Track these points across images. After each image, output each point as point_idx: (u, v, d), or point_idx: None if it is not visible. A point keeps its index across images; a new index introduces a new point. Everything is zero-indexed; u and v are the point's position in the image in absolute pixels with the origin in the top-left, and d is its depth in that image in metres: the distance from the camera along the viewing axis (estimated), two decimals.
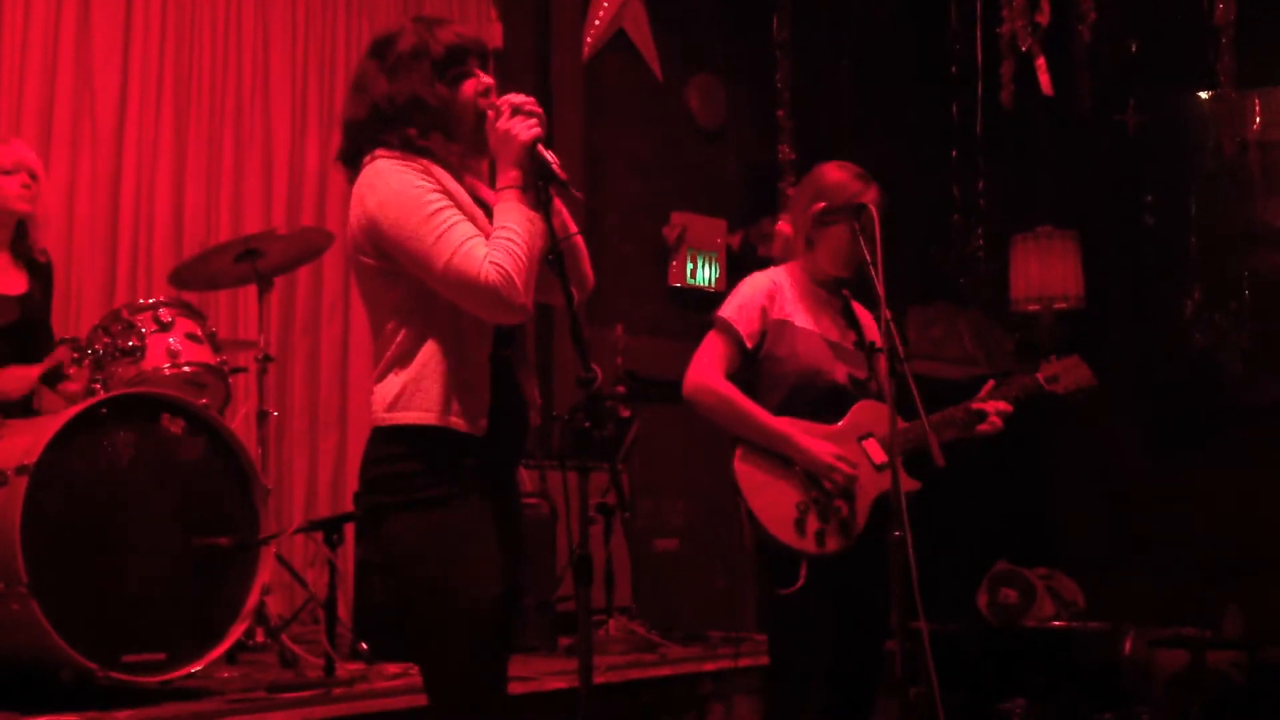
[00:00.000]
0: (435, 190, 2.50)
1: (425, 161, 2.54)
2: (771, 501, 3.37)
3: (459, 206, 2.52)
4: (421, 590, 2.52)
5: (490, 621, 2.50)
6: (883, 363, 3.35)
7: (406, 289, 2.53)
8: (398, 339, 2.55)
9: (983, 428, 3.53)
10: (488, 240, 2.48)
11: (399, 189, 2.50)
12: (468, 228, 2.48)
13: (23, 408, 4.21)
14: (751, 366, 3.47)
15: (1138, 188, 7.74)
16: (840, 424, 3.47)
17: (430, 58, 2.59)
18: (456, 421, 2.51)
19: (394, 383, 2.54)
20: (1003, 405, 3.55)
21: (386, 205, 2.49)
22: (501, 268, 2.43)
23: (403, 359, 2.54)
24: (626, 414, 5.89)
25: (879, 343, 3.50)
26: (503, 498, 2.60)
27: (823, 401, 3.46)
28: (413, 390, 2.52)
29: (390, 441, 2.54)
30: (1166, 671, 6.08)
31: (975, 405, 3.55)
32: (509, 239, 2.47)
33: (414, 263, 2.48)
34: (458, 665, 2.51)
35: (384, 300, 2.57)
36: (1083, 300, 7.42)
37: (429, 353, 2.53)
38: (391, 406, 2.53)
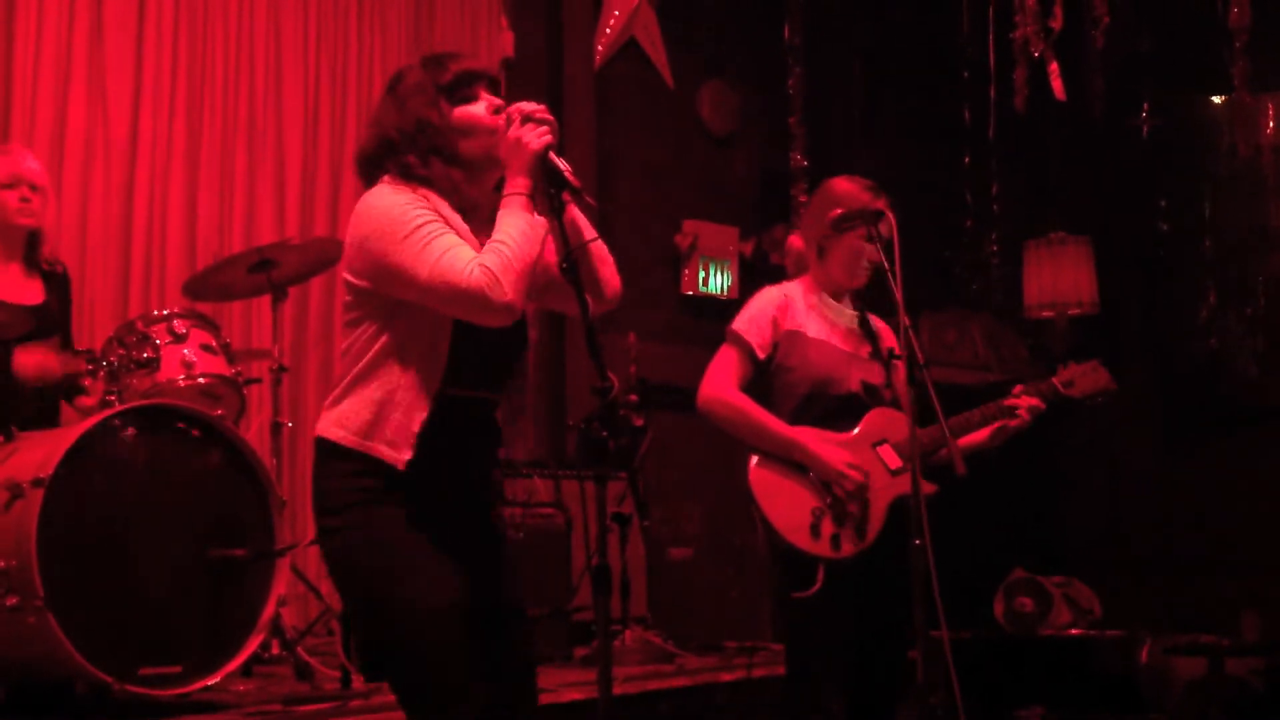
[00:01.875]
0: (423, 207, 2.53)
1: (424, 190, 2.57)
2: (786, 508, 3.41)
3: (449, 225, 2.54)
4: (371, 608, 2.56)
5: (438, 630, 2.49)
6: (902, 369, 3.37)
7: (371, 311, 2.57)
8: (350, 356, 2.60)
9: (1011, 422, 3.57)
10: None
11: (388, 207, 2.53)
12: (453, 238, 2.50)
13: (36, 417, 4.19)
14: (764, 377, 3.53)
15: (1151, 192, 7.71)
16: (855, 431, 3.52)
17: (436, 84, 2.63)
18: (380, 449, 2.53)
19: (338, 396, 2.60)
20: (1035, 401, 3.59)
21: (373, 223, 2.53)
22: (489, 270, 2.44)
23: (346, 374, 2.59)
24: (640, 422, 5.87)
25: (898, 351, 3.53)
26: (455, 521, 2.59)
27: (835, 409, 3.51)
28: (348, 410, 2.57)
29: (326, 458, 2.59)
30: (1184, 679, 6.05)
31: (1008, 402, 3.60)
32: (499, 242, 2.49)
33: (398, 277, 2.50)
34: (414, 679, 2.52)
35: (350, 317, 2.61)
36: (1096, 305, 7.39)
37: (371, 376, 2.56)
38: (328, 420, 2.59)
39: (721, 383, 3.49)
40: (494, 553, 2.68)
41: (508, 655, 2.63)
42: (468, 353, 2.57)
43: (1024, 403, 3.58)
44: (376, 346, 2.56)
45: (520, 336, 2.68)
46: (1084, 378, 3.71)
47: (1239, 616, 6.68)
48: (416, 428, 2.53)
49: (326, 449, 2.58)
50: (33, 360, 4.12)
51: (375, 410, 2.54)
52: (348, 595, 2.66)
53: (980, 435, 3.59)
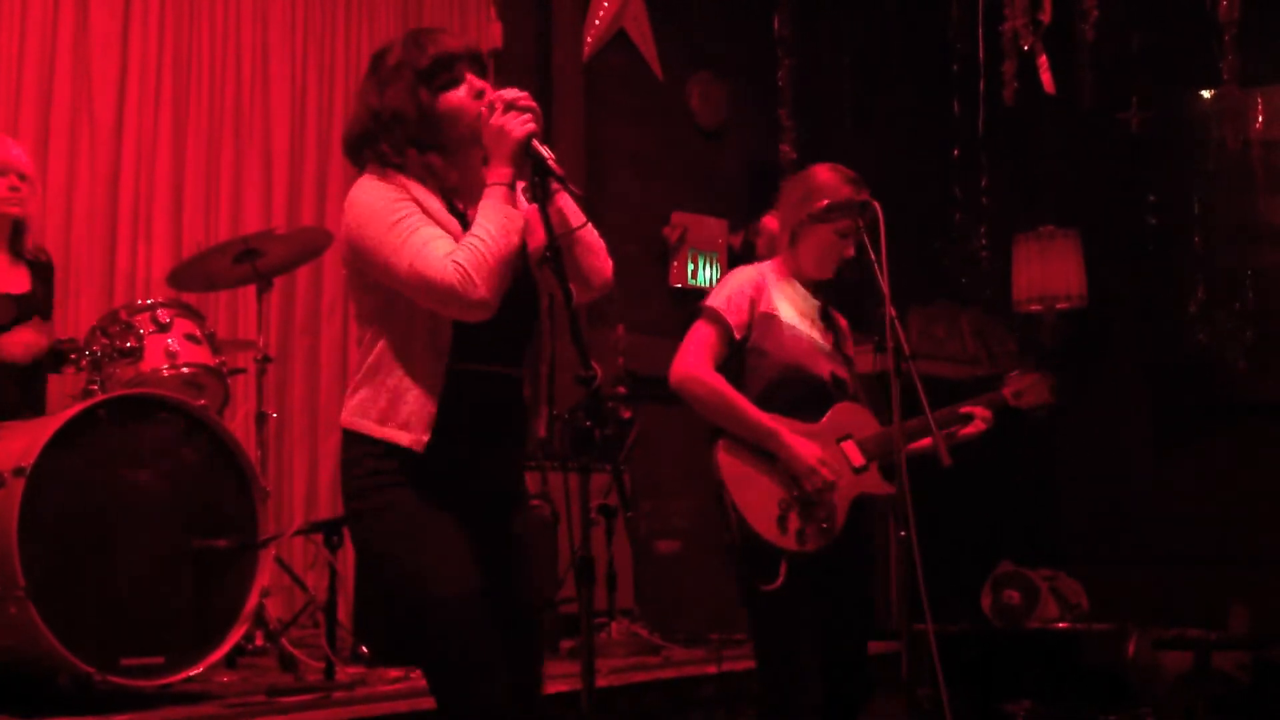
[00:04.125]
0: (403, 200, 2.54)
1: (400, 177, 2.58)
2: (755, 497, 3.34)
3: (429, 215, 2.55)
4: (394, 591, 2.59)
5: (458, 612, 2.51)
6: (883, 361, 3.36)
7: (372, 300, 2.60)
8: (365, 345, 2.63)
9: (965, 430, 3.57)
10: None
11: (369, 201, 2.55)
12: (432, 231, 2.52)
13: (22, 405, 4.17)
14: (736, 358, 3.45)
15: (1140, 186, 7.71)
16: (820, 423, 3.45)
17: (414, 68, 2.61)
18: (395, 434, 2.56)
19: (355, 386, 2.63)
20: (989, 413, 3.60)
21: (358, 217, 2.56)
22: (461, 267, 2.45)
23: (362, 363, 2.63)
24: (628, 415, 5.85)
25: (850, 352, 3.53)
26: (479, 509, 2.60)
27: (804, 398, 3.44)
28: (365, 398, 2.60)
29: (349, 445, 2.63)
30: (1171, 672, 6.06)
31: (964, 409, 3.60)
32: (476, 236, 2.50)
33: (382, 270, 2.53)
34: (437, 660, 2.55)
35: (357, 310, 2.66)
36: (1085, 299, 7.40)
37: (381, 363, 2.59)
38: (348, 410, 2.63)
39: (698, 361, 3.39)
40: (508, 551, 2.66)
41: (514, 658, 2.62)
42: (474, 328, 2.55)
43: (979, 412, 3.58)
44: (386, 334, 2.59)
45: (528, 306, 2.67)
46: (1031, 390, 3.72)
47: (1227, 610, 6.69)
48: (433, 408, 2.55)
49: (349, 437, 2.62)
50: (19, 342, 4.11)
51: (390, 396, 2.57)
52: (375, 578, 2.72)
53: (927, 441, 3.48)
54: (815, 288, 3.56)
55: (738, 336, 3.43)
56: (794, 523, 3.34)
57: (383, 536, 2.57)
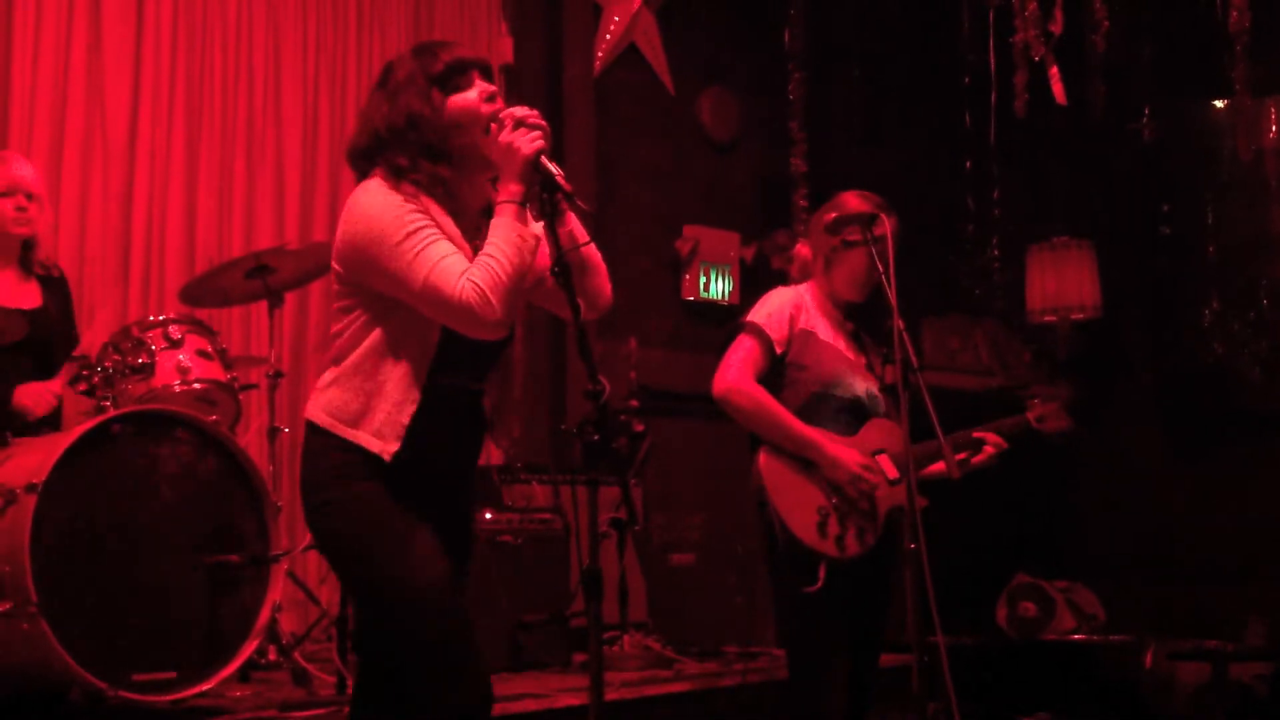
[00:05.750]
0: (417, 211, 2.54)
1: (414, 190, 2.57)
2: (796, 502, 3.45)
3: (441, 229, 2.54)
4: (368, 580, 2.60)
5: (433, 604, 2.51)
6: (893, 374, 3.42)
7: (365, 302, 2.59)
8: (340, 340, 2.63)
9: (977, 459, 3.68)
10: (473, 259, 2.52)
11: (382, 206, 2.54)
12: (446, 246, 2.52)
13: (40, 422, 4.19)
14: (775, 372, 3.56)
15: (1153, 197, 7.70)
16: (856, 437, 3.56)
17: (427, 74, 2.63)
18: (366, 439, 2.56)
19: (328, 380, 2.63)
20: (1001, 441, 3.70)
21: (367, 221, 2.54)
22: (478, 285, 2.46)
23: (338, 360, 2.62)
24: (640, 428, 5.86)
25: (880, 371, 3.61)
26: (435, 513, 2.60)
27: (840, 413, 3.55)
28: (337, 398, 2.60)
29: (314, 437, 2.63)
30: (1188, 684, 6.04)
31: (977, 434, 3.70)
32: (491, 255, 2.50)
33: (391, 278, 2.52)
34: (410, 654, 2.54)
35: (342, 304, 2.64)
36: (1099, 310, 7.39)
37: (363, 364, 2.59)
38: (317, 405, 2.62)
39: (741, 374, 3.50)
40: (462, 553, 2.69)
41: None
42: (456, 343, 2.58)
43: (991, 439, 3.68)
44: (369, 338, 2.59)
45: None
46: (1052, 417, 3.83)
47: (1244, 622, 6.66)
48: (406, 419, 2.56)
49: (314, 430, 2.62)
50: (31, 394, 4.13)
51: (364, 400, 2.57)
52: (340, 571, 2.71)
53: (942, 465, 3.59)
54: (848, 310, 3.67)
55: (779, 351, 3.54)
56: (833, 529, 3.44)
57: (354, 526, 2.57)
